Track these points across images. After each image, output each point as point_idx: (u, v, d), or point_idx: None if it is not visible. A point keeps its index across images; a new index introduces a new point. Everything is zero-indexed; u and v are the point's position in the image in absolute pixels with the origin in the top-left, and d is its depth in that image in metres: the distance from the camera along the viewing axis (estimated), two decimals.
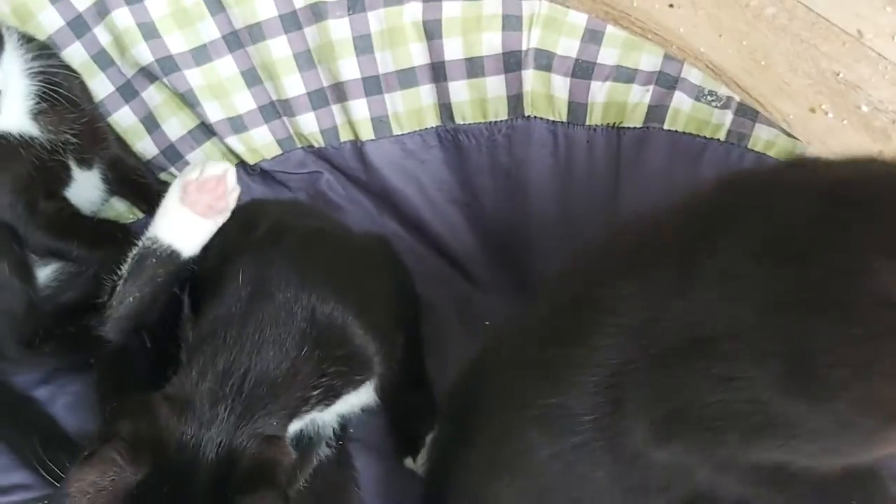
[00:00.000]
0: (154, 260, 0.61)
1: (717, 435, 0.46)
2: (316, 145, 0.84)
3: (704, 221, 0.49)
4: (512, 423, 0.54)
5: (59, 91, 0.71)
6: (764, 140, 0.68)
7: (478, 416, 0.58)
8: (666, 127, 0.71)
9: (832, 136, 1.00)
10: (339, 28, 0.79)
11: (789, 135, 0.69)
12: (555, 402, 0.51)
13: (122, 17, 0.80)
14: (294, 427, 0.59)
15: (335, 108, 0.82)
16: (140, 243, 0.62)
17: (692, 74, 0.72)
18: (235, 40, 0.81)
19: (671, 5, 1.12)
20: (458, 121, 0.81)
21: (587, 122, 0.75)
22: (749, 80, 1.05)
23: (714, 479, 0.50)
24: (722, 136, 0.69)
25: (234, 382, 0.58)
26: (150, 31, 0.80)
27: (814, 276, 0.44)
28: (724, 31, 1.09)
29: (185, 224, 0.62)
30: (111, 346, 0.70)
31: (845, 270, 0.43)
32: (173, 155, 0.85)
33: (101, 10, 0.80)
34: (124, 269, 0.62)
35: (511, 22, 0.77)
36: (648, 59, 0.74)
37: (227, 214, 0.63)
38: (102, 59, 0.82)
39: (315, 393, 0.58)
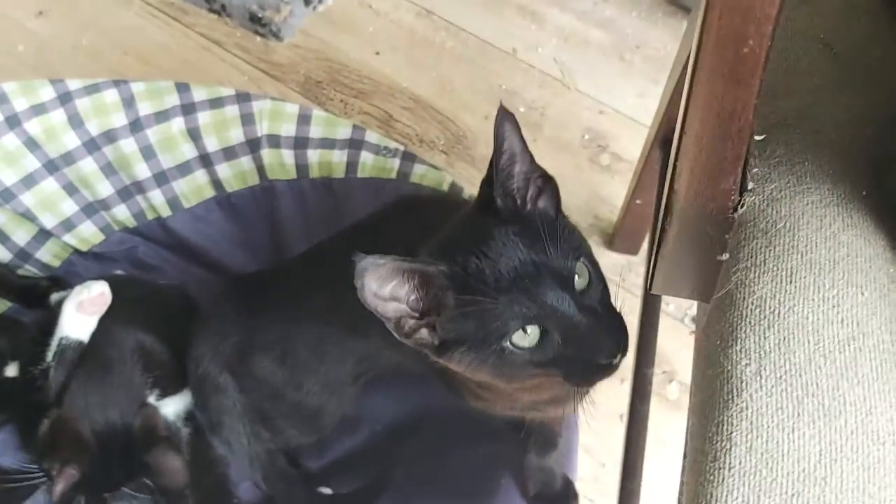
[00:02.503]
0: (70, 350, 1.00)
1: None
2: (130, 226, 1.24)
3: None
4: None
5: None
6: (419, 174, 1.15)
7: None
8: (359, 175, 1.17)
9: None
10: (128, 145, 1.20)
11: (434, 167, 1.16)
12: None
13: None
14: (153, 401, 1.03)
15: (139, 198, 1.23)
16: (56, 341, 1.00)
17: (372, 137, 1.18)
18: (53, 166, 1.20)
19: (377, 53, 1.58)
20: (228, 189, 1.23)
21: (309, 176, 1.20)
22: (441, 103, 1.52)
23: None
24: (394, 175, 1.16)
25: (106, 388, 1.01)
26: None
27: None
28: (418, 67, 1.56)
29: (82, 324, 1.00)
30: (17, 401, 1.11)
31: None
32: (24, 256, 1.21)
33: None
34: (49, 359, 1.00)
35: (247, 119, 1.21)
36: (343, 131, 1.19)
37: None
38: None
39: (150, 381, 1.04)
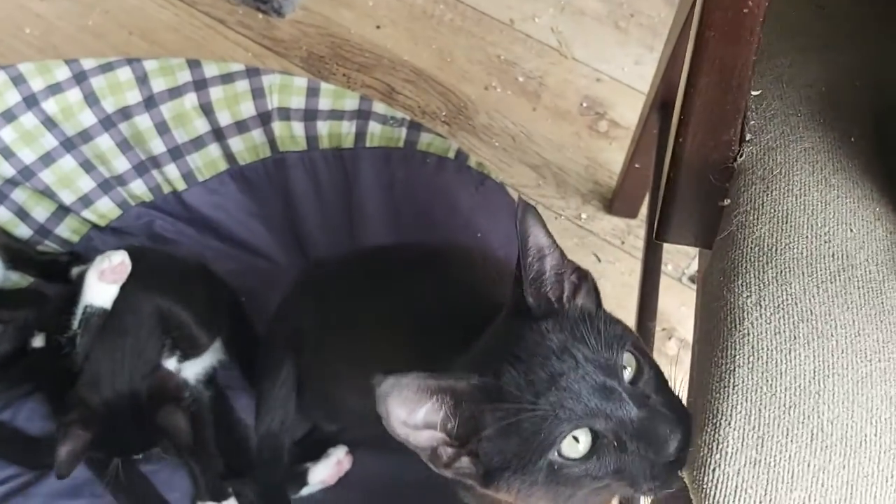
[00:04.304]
0: (95, 318, 1.05)
1: None
2: (147, 200, 1.30)
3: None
4: None
5: None
6: (426, 143, 1.21)
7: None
8: (367, 145, 1.23)
9: (502, 104, 1.54)
10: (143, 121, 1.25)
11: (441, 136, 1.22)
12: None
13: None
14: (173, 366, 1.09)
15: (154, 173, 1.28)
16: (80, 310, 1.05)
17: (378, 108, 1.24)
18: (70, 144, 1.25)
19: (378, 27, 1.63)
20: (241, 162, 1.29)
21: (319, 147, 1.25)
22: (441, 75, 1.57)
23: None
24: (401, 144, 1.22)
25: (116, 355, 1.07)
26: (7, 153, 1.23)
27: None
28: (418, 40, 1.61)
29: (105, 292, 1.05)
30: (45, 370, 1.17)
31: None
32: (44, 232, 1.26)
33: None
34: (75, 327, 1.05)
35: (258, 93, 1.26)
36: (350, 102, 1.25)
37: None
38: None
39: (168, 343, 1.08)
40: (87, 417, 1.04)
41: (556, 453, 0.58)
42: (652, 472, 0.59)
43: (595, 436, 0.58)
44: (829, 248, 0.59)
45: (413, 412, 0.58)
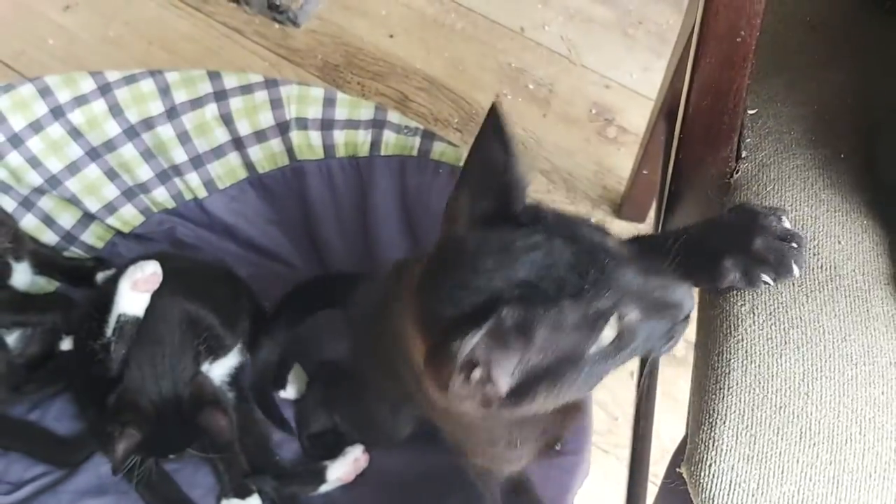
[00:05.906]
0: (129, 325, 1.10)
1: None
2: (169, 207, 1.35)
3: None
4: None
5: None
6: (439, 151, 1.25)
7: None
8: (382, 153, 1.28)
9: (512, 111, 1.59)
10: (166, 131, 1.30)
11: (453, 144, 1.26)
12: None
13: (13, 158, 1.27)
14: (204, 368, 1.14)
15: (176, 180, 1.34)
16: (114, 318, 1.09)
17: (394, 117, 1.29)
18: (95, 153, 1.31)
19: (391, 36, 1.68)
20: (259, 170, 1.34)
21: (336, 156, 1.31)
22: (453, 83, 1.63)
23: None
24: (415, 153, 1.27)
25: (157, 362, 1.12)
26: (34, 162, 1.28)
27: None
28: (430, 48, 1.66)
29: (137, 300, 1.10)
30: (75, 372, 1.22)
31: None
32: (70, 239, 1.32)
33: None
34: (109, 335, 1.09)
35: (276, 103, 1.31)
36: (366, 112, 1.30)
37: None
38: (2, 186, 1.30)
39: (202, 347, 1.13)
40: (140, 418, 1.09)
41: (595, 346, 0.57)
42: (670, 331, 0.59)
43: (619, 316, 0.57)
44: (817, 259, 0.63)
45: (468, 369, 0.57)
